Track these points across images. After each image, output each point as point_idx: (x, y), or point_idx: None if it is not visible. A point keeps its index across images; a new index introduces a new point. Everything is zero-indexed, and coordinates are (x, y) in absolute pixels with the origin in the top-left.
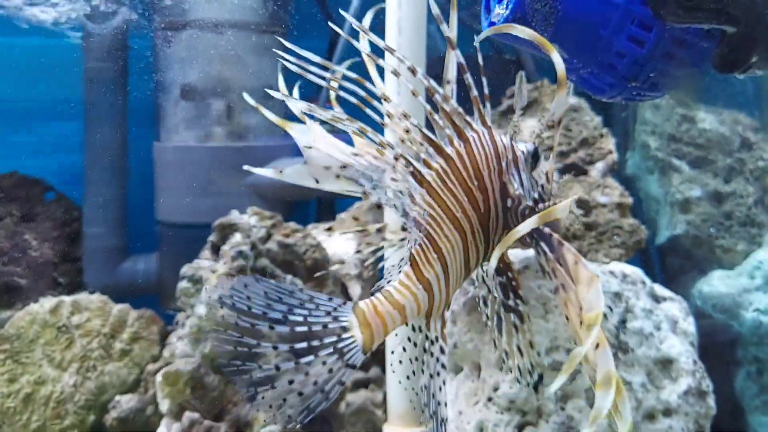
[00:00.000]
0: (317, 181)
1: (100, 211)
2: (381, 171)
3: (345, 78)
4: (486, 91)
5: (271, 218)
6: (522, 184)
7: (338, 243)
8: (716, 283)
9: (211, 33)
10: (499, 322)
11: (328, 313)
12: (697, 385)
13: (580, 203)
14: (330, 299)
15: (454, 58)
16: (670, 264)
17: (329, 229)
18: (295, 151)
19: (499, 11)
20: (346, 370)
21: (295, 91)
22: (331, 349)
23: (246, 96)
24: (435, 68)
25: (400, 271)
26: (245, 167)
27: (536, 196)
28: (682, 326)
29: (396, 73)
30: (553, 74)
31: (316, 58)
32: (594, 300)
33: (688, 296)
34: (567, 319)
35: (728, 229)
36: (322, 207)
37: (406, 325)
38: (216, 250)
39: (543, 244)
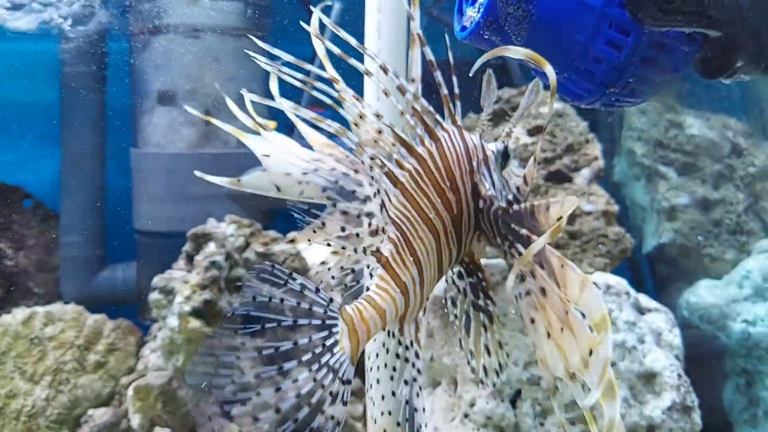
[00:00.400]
0: (278, 189)
1: (76, 219)
2: (344, 175)
3: (318, 78)
4: (456, 89)
5: (249, 227)
6: (493, 185)
7: (318, 251)
8: (703, 293)
9: (188, 37)
10: (467, 322)
11: (323, 324)
12: (682, 400)
13: None
14: (324, 302)
15: (418, 55)
16: (657, 273)
17: (292, 241)
18: None
19: (471, 14)
20: (345, 388)
21: (249, 100)
22: (325, 370)
23: (189, 108)
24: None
25: (371, 275)
26: (197, 173)
27: (510, 197)
28: (667, 339)
29: (368, 73)
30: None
31: (289, 58)
32: (593, 303)
33: (675, 306)
34: (532, 321)
35: (717, 237)
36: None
37: (384, 330)
38: (190, 259)
39: (520, 246)
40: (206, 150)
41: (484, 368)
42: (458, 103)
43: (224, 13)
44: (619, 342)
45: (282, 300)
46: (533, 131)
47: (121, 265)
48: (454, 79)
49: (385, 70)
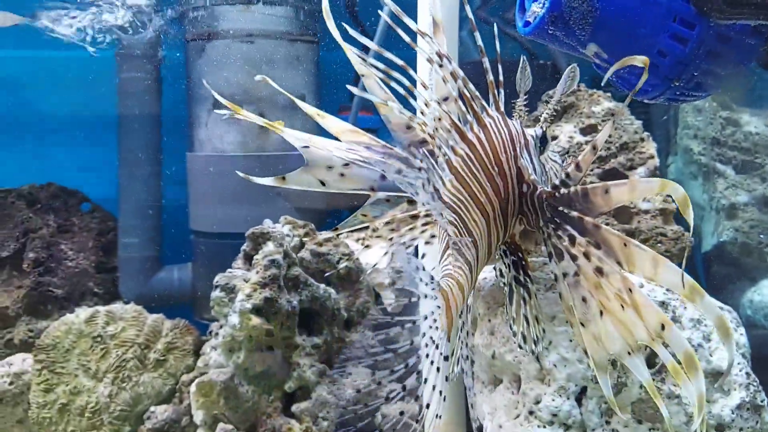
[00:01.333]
0: (323, 184)
1: (134, 222)
2: (382, 162)
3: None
4: (501, 77)
5: (303, 227)
6: (535, 169)
7: (372, 251)
8: (767, 292)
9: (242, 43)
10: (510, 293)
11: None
12: (752, 398)
13: (620, 210)
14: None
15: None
16: (717, 272)
17: (335, 229)
18: None
19: (536, 9)
20: (446, 364)
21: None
22: (429, 340)
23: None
24: (466, 74)
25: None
26: (240, 174)
27: (557, 182)
28: (733, 337)
29: (431, 61)
30: (590, 78)
31: (373, 45)
32: (672, 276)
33: (737, 306)
34: (583, 300)
35: None
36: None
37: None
38: (249, 259)
39: (568, 227)
40: (260, 152)
41: (523, 335)
42: (501, 91)
43: (277, 19)
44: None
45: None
46: (587, 130)
47: (177, 266)
48: (499, 66)
49: (440, 56)
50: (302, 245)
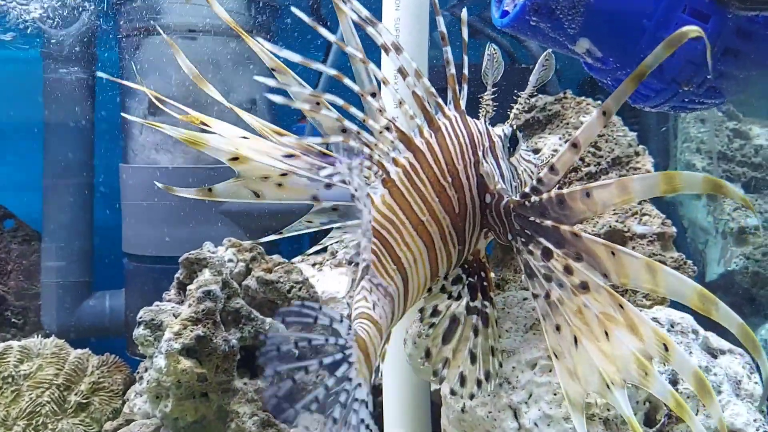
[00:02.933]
0: (257, 195)
1: (60, 242)
2: (321, 168)
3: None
4: (465, 71)
5: (250, 251)
6: (502, 176)
7: (330, 279)
8: None
9: (183, 39)
10: (453, 327)
11: (342, 359)
12: None
13: (612, 235)
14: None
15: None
16: None
17: (279, 233)
18: None
19: None
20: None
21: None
22: (352, 398)
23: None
24: (439, 79)
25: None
26: (159, 185)
27: (528, 189)
28: (748, 387)
29: (364, 61)
30: (576, 85)
31: (297, 58)
32: (677, 283)
33: None
34: (557, 329)
35: None
36: (316, 237)
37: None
38: (183, 288)
39: (542, 239)
40: (201, 164)
41: (462, 377)
42: (465, 86)
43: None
44: (692, 392)
45: (310, 341)
46: None
47: (110, 293)
48: (465, 58)
49: (386, 50)
50: (248, 272)
